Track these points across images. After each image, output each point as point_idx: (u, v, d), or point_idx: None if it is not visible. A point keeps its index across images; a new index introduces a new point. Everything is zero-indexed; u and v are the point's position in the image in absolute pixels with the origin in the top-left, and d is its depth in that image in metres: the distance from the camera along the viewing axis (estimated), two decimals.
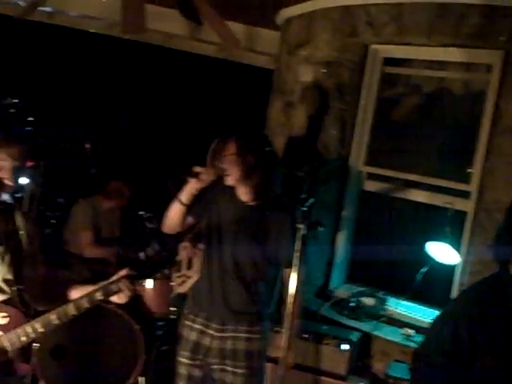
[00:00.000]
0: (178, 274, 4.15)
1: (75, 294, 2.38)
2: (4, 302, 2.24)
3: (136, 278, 2.39)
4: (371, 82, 4.29)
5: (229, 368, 3.13)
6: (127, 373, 4.19)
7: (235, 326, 3.13)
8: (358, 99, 4.32)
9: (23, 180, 5.79)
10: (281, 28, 4.97)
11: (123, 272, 2.38)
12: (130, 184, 5.94)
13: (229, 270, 3.13)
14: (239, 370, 3.12)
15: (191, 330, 3.18)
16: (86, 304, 2.29)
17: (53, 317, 2.26)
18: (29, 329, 2.25)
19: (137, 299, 4.46)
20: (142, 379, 4.25)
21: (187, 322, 3.22)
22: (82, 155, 5.00)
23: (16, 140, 2.21)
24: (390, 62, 4.28)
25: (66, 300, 2.34)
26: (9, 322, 2.20)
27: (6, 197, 2.27)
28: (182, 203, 2.97)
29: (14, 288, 2.25)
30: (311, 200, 2.54)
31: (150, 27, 4.59)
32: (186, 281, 4.10)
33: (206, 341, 3.14)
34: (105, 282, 2.35)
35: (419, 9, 3.81)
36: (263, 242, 3.10)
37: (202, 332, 3.16)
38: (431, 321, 2.85)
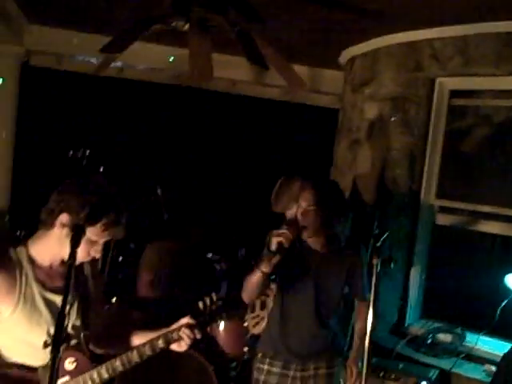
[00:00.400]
0: (252, 315, 4.19)
1: (136, 340, 2.43)
2: (72, 347, 2.28)
3: (196, 327, 2.42)
4: (439, 115, 4.29)
5: None
6: None
7: (316, 365, 3.15)
8: (427, 133, 4.31)
9: None
10: (344, 67, 5.06)
11: (184, 320, 2.42)
12: (203, 228, 6.06)
13: (309, 312, 3.14)
14: None
15: (270, 373, 3.18)
16: (148, 351, 2.34)
17: (117, 363, 2.31)
18: (94, 374, 2.30)
19: (210, 340, 4.49)
20: None
21: (264, 366, 3.20)
22: (154, 201, 5.13)
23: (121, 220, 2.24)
24: (456, 94, 4.28)
25: (128, 346, 2.40)
26: (76, 367, 2.24)
27: None
28: (263, 273, 2.90)
29: (81, 334, 2.30)
30: (385, 235, 2.52)
31: (216, 75, 4.77)
32: (259, 322, 4.13)
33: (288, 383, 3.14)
34: (165, 330, 2.40)
35: (485, 39, 3.82)
36: (340, 283, 3.16)
37: (282, 375, 3.16)
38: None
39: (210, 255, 5.78)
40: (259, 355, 3.25)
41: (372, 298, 2.45)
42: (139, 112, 6.72)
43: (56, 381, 1.86)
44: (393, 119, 4.14)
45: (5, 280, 2.15)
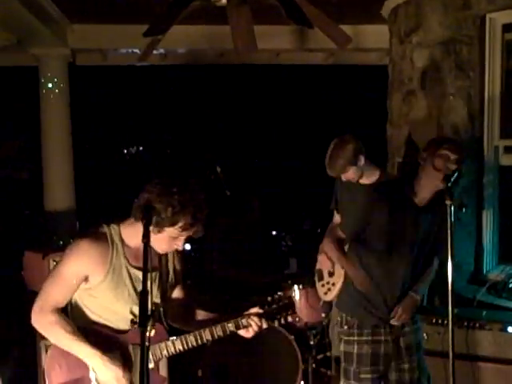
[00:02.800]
0: (321, 283, 4.18)
1: (209, 321, 2.59)
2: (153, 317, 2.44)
3: (264, 317, 2.53)
4: (493, 53, 4.14)
5: (406, 365, 3.15)
6: (290, 383, 4.26)
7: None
8: (483, 73, 4.17)
9: None
10: (388, 19, 4.94)
11: (254, 310, 2.54)
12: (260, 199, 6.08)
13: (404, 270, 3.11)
14: (414, 364, 3.14)
15: (360, 343, 3.17)
16: (219, 332, 2.50)
17: (191, 338, 2.50)
18: (170, 344, 2.50)
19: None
20: None
21: (351, 338, 3.19)
22: (214, 179, 5.19)
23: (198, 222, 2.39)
24: (509, 28, 4.11)
25: (201, 325, 2.57)
26: (155, 336, 2.35)
27: None
28: None
29: (161, 308, 2.52)
30: (455, 175, 2.45)
31: (259, 47, 4.74)
32: (331, 288, 4.11)
33: (382, 348, 3.14)
34: (238, 317, 2.53)
35: None
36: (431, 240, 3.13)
37: (374, 342, 3.15)
38: None
39: (274, 232, 5.82)
40: (345, 327, 3.23)
41: (449, 241, 2.39)
42: (187, 95, 6.78)
43: (147, 355, 2.01)
44: None
45: (99, 253, 2.40)
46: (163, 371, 3.84)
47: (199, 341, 2.50)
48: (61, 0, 5.23)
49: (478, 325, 3.66)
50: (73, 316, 2.49)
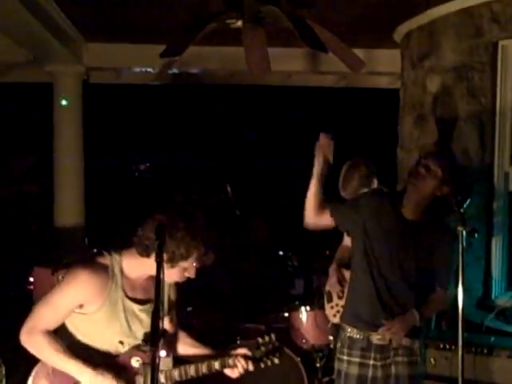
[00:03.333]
0: (330, 305, 4.17)
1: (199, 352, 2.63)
2: (137, 347, 2.49)
3: (251, 360, 2.50)
4: (505, 80, 4.16)
5: None
6: None
7: (395, 351, 3.00)
8: (494, 99, 4.20)
9: None
10: (400, 44, 4.98)
11: (242, 351, 2.51)
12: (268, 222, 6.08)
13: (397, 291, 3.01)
14: None
15: (349, 363, 3.08)
16: (204, 369, 2.48)
17: (174, 373, 2.46)
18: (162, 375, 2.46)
19: (295, 331, 4.50)
20: None
21: (342, 357, 3.10)
22: (225, 199, 5.21)
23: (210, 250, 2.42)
24: None
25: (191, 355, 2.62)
26: (140, 366, 2.43)
27: None
28: (316, 178, 3.06)
29: None
30: (468, 200, 2.43)
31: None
32: (340, 311, 4.10)
33: (369, 372, 3.02)
34: (225, 356, 2.51)
35: None
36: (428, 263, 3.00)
37: (362, 364, 3.04)
38: None
39: (280, 252, 5.80)
40: (338, 344, 3.16)
41: (460, 269, 2.37)
42: (198, 114, 6.83)
43: (158, 375, 2.01)
44: None
45: (98, 285, 2.39)
46: None
47: (183, 376, 2.48)
48: (77, 19, 5.30)
49: (485, 351, 3.63)
50: (59, 332, 2.47)
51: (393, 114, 5.09)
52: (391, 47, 5.29)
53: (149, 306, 2.46)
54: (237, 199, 5.23)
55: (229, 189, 5.11)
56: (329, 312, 4.21)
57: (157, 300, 2.07)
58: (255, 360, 2.50)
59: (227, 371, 2.53)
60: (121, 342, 2.48)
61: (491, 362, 3.58)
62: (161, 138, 6.77)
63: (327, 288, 4.24)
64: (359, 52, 5.35)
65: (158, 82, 6.33)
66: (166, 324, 2.57)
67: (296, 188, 6.67)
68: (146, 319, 2.45)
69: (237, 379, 4.02)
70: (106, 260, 2.45)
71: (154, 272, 2.27)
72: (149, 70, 6.47)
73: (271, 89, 6.60)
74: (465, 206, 2.32)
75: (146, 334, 2.45)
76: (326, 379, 4.79)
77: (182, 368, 2.47)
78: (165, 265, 2.27)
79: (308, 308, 4.44)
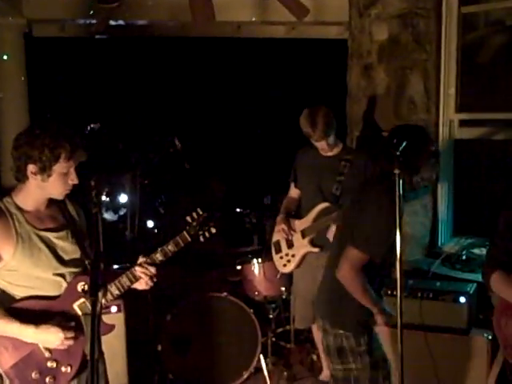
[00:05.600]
0: (279, 255, 4.20)
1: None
2: (79, 273, 2.55)
3: (149, 264, 2.62)
4: (450, 27, 4.16)
5: None
6: (249, 357, 4.28)
7: None
8: (440, 47, 4.19)
9: (123, 198, 6.07)
10: None
11: (140, 260, 2.64)
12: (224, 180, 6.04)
13: None
14: None
15: None
16: (115, 291, 2.59)
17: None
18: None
19: (247, 284, 4.53)
20: (263, 360, 4.33)
21: None
22: (173, 153, 5.13)
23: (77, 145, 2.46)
24: (466, 1, 4.13)
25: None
26: (87, 289, 2.47)
27: (108, 216, 2.46)
28: None
29: (86, 261, 2.56)
30: (404, 143, 2.40)
31: (220, 19, 4.69)
32: (290, 260, 4.14)
33: None
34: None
35: None
36: None
37: None
38: None
39: (238, 209, 5.79)
40: None
41: (397, 214, 2.36)
42: (145, 68, 6.67)
43: (98, 326, 2.03)
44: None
45: (0, 227, 2.39)
46: (121, 345, 3.87)
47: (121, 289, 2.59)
48: None
49: (431, 295, 3.72)
50: (0, 300, 2.45)
51: (342, 65, 5.05)
52: None
53: (64, 233, 2.52)
54: (187, 153, 5.15)
55: (177, 142, 5.03)
56: (278, 262, 4.24)
57: (96, 251, 2.06)
58: (192, 236, 2.61)
59: (137, 285, 2.63)
60: (61, 276, 2.49)
61: (437, 306, 3.67)
62: (109, 94, 6.60)
63: (274, 238, 4.26)
64: (306, 1, 5.29)
65: (105, 35, 6.13)
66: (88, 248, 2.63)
67: (249, 141, 6.67)
68: (67, 245, 2.51)
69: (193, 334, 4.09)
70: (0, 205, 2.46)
71: (46, 194, 2.46)
72: (94, 22, 6.24)
73: (222, 41, 6.48)
74: (400, 148, 2.31)
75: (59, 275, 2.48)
76: (279, 330, 4.87)
77: (117, 282, 2.58)
78: (41, 177, 2.37)
79: (259, 260, 4.47)
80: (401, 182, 2.31)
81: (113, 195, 6.17)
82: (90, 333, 1.99)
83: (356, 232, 2.70)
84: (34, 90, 6.34)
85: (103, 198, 5.85)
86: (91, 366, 1.95)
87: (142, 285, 2.64)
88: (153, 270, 2.60)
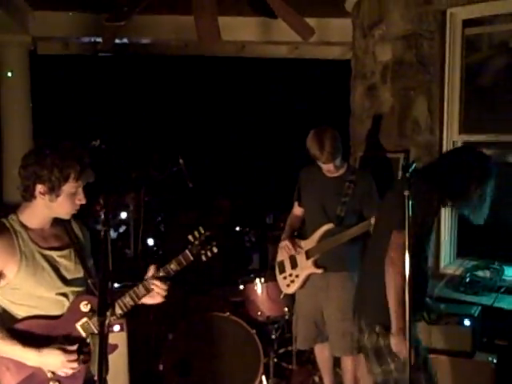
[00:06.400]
0: (282, 275, 4.17)
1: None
2: (82, 292, 2.53)
3: (162, 279, 2.56)
4: (453, 48, 4.17)
5: None
6: (251, 377, 4.25)
7: None
8: (443, 68, 4.20)
9: (122, 215, 6.06)
10: (351, 13, 4.95)
11: (150, 272, 2.58)
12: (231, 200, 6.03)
13: None
14: None
15: None
16: (130, 302, 2.53)
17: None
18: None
19: (250, 304, 4.51)
20: (265, 381, 4.29)
21: None
22: (177, 172, 5.12)
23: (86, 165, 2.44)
24: (469, 23, 4.15)
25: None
26: (90, 309, 2.46)
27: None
28: None
29: (88, 281, 2.54)
30: (413, 165, 2.41)
31: (224, 38, 4.71)
32: (294, 281, 4.11)
33: None
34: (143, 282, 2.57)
35: None
36: None
37: None
38: None
39: (238, 228, 5.78)
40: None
41: (407, 234, 2.35)
42: (148, 86, 6.69)
43: (106, 344, 2.02)
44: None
45: (5, 245, 2.37)
46: (123, 364, 3.84)
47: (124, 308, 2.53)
48: None
49: (435, 317, 3.70)
50: (1, 319, 2.43)
51: (346, 85, 5.08)
52: (343, 16, 5.24)
53: (67, 252, 2.50)
54: (190, 172, 5.14)
55: (181, 161, 5.02)
56: (282, 282, 4.22)
57: (105, 269, 2.05)
58: (194, 255, 2.57)
59: (148, 300, 2.57)
60: (64, 295, 2.46)
61: (441, 329, 3.64)
62: (112, 111, 6.62)
63: (279, 258, 4.24)
64: (311, 21, 5.32)
65: (109, 53, 6.16)
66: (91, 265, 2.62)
67: (251, 161, 6.67)
68: (70, 264, 2.50)
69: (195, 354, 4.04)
70: (2, 222, 2.44)
71: (53, 214, 2.45)
72: (98, 40, 6.29)
73: (225, 60, 6.51)
74: (410, 170, 2.32)
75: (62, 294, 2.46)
76: (281, 350, 4.83)
77: (120, 301, 2.52)
78: (49, 197, 2.36)
79: (262, 280, 4.45)
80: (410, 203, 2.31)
81: (113, 213, 6.17)
82: (97, 352, 1.98)
83: (395, 217, 2.63)
84: (37, 107, 6.37)
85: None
86: None
87: (156, 299, 2.59)
88: (167, 283, 2.55)
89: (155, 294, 2.56)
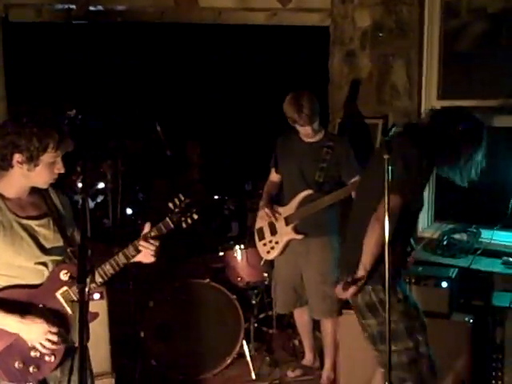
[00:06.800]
0: (262, 242, 4.20)
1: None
2: (62, 261, 2.51)
3: (153, 238, 2.56)
4: (432, 13, 4.18)
5: None
6: (232, 342, 4.30)
7: None
8: (422, 33, 4.21)
9: (100, 185, 6.00)
10: None
11: (145, 231, 2.58)
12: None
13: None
14: None
15: None
16: (122, 260, 2.53)
17: (98, 277, 2.52)
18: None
19: (230, 270, 4.54)
20: (245, 345, 4.35)
21: None
22: (154, 139, 5.08)
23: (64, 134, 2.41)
24: None
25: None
26: (70, 277, 2.45)
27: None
28: None
29: (68, 249, 2.52)
30: (393, 128, 2.43)
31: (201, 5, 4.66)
32: (274, 247, 4.14)
33: None
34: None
35: None
36: None
37: None
38: None
39: (216, 196, 5.78)
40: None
41: (386, 197, 2.37)
42: (123, 53, 6.58)
43: (87, 311, 2.02)
44: None
45: None
46: (104, 332, 3.85)
47: (104, 276, 2.52)
48: None
49: (413, 280, 3.76)
50: None
51: (324, 52, 5.05)
52: None
53: (46, 221, 2.47)
54: (168, 139, 5.10)
55: (159, 128, 4.98)
56: (261, 249, 4.25)
57: (83, 237, 2.06)
58: (174, 222, 2.55)
59: (141, 257, 2.56)
60: (43, 264, 2.44)
61: (419, 291, 3.71)
62: (88, 80, 6.51)
63: (258, 225, 4.26)
64: None
65: (83, 20, 6.03)
66: (76, 235, 2.60)
67: (229, 128, 6.64)
68: (49, 233, 2.47)
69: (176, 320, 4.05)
70: None
71: (30, 183, 2.42)
72: (72, 6, 6.14)
73: (202, 27, 6.41)
74: (390, 134, 2.33)
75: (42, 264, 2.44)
76: (261, 315, 4.89)
77: (100, 269, 2.50)
78: (27, 166, 2.33)
79: (242, 246, 4.48)
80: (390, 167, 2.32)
81: (90, 182, 6.11)
82: (77, 320, 1.98)
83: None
84: (10, 76, 6.23)
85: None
86: (80, 352, 1.94)
87: (148, 258, 2.58)
88: (157, 242, 2.55)
89: (147, 252, 2.55)
